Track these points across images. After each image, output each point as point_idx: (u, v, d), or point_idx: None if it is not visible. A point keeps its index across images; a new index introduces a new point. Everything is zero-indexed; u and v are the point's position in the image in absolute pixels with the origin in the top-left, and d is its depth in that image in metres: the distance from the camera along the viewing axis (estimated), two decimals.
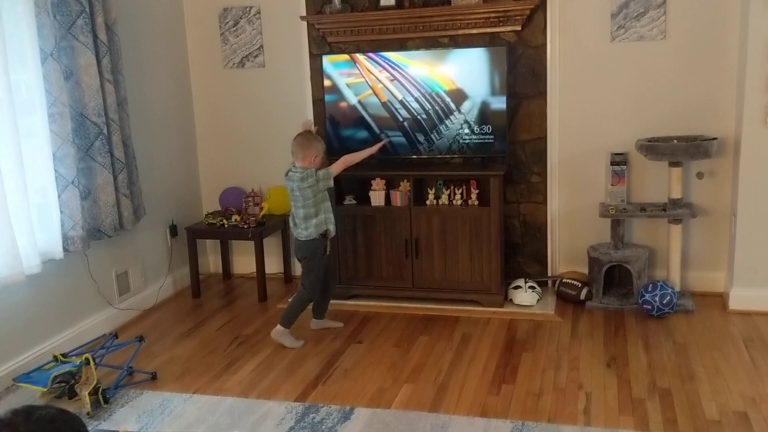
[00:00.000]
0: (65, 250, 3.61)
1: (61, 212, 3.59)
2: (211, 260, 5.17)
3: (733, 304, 4.00)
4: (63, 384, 3.21)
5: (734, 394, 3.05)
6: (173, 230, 4.75)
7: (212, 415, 3.07)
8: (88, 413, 3.08)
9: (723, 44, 4.02)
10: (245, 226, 4.53)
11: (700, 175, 4.16)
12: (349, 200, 4.40)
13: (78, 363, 3.23)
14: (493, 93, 4.16)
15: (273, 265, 4.92)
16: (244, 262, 5.05)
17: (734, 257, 3.99)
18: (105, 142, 3.83)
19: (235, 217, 4.62)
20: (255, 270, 4.59)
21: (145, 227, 4.38)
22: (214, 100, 4.96)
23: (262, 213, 4.69)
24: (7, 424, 1.08)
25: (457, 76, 4.19)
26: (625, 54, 4.18)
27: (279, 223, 4.78)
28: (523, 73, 4.31)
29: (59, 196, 3.58)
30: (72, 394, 3.22)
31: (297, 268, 4.97)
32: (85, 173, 3.77)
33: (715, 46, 4.04)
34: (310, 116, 4.69)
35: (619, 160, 4.22)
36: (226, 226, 4.60)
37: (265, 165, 4.91)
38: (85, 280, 3.92)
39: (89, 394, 3.11)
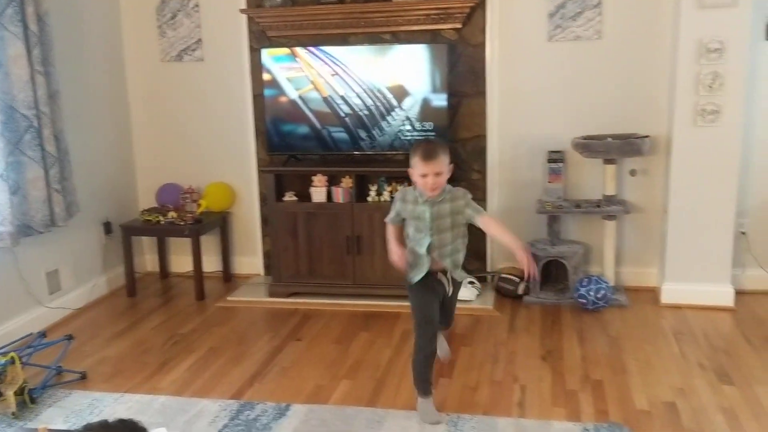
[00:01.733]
0: None
1: None
2: (147, 259, 5.06)
3: (665, 298, 4.11)
4: None
5: (664, 386, 3.12)
6: (107, 227, 4.62)
7: (143, 414, 2.99)
8: (13, 413, 2.97)
9: (656, 45, 4.13)
10: (182, 223, 4.45)
11: (633, 173, 4.26)
12: (289, 197, 4.36)
13: (3, 362, 3.11)
14: (435, 90, 4.18)
15: (212, 264, 4.84)
16: (182, 261, 4.95)
17: (666, 253, 4.10)
18: (36, 136, 3.70)
19: (172, 214, 4.52)
20: (192, 268, 4.50)
21: (78, 224, 4.25)
22: (151, 94, 4.85)
23: (199, 210, 4.61)
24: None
25: (399, 72, 4.20)
26: (562, 54, 4.25)
27: (217, 220, 4.71)
28: (463, 71, 4.35)
29: None
30: None
31: (238, 266, 4.92)
32: (14, 167, 3.64)
33: (649, 46, 4.14)
34: (250, 111, 4.64)
35: (555, 158, 4.29)
36: (162, 223, 4.50)
37: (203, 161, 4.83)
38: (13, 278, 3.78)
39: (15, 393, 2.99)
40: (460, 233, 2.92)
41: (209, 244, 4.80)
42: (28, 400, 3.05)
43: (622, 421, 2.82)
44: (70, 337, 3.47)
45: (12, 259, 3.74)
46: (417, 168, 2.77)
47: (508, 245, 2.79)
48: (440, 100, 4.19)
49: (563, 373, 3.27)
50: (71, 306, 4.24)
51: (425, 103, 4.20)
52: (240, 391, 3.21)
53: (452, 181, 4.38)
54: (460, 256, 2.96)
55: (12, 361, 3.09)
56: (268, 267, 4.83)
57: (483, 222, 2.85)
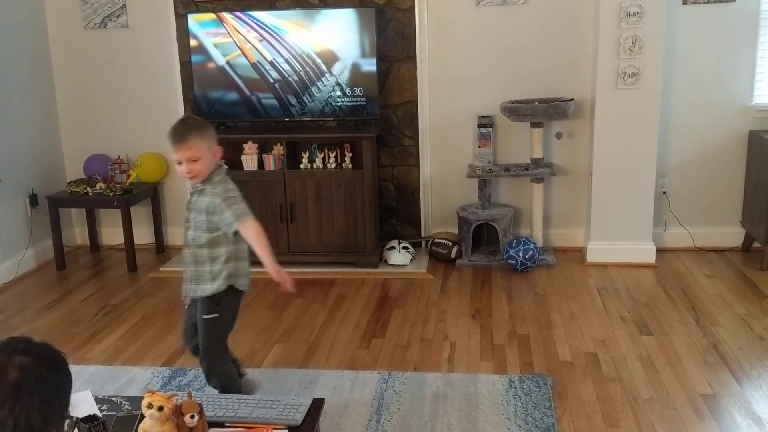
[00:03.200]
0: None
1: None
2: (77, 231, 4.94)
3: (591, 257, 4.25)
4: None
5: (586, 338, 3.25)
6: (33, 200, 4.49)
7: (74, 383, 2.94)
8: None
9: (580, 9, 4.22)
10: (111, 194, 4.36)
11: (558, 135, 4.37)
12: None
13: None
14: (364, 55, 4.18)
15: (143, 235, 4.77)
16: (113, 233, 4.86)
17: (591, 213, 4.23)
18: None
19: (101, 185, 4.43)
20: (123, 240, 4.43)
21: (2, 196, 4.12)
22: (75, 62, 4.70)
23: (129, 180, 4.52)
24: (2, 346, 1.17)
25: (328, 37, 4.18)
26: (489, 18, 4.30)
27: (148, 191, 4.63)
28: (392, 36, 4.36)
29: None
30: None
31: (171, 238, 4.85)
32: None
33: (573, 10, 4.23)
34: (178, 78, 4.56)
35: (485, 123, 4.36)
36: (90, 194, 4.40)
37: (132, 130, 4.72)
38: None
39: None
40: (216, 240, 2.38)
41: (141, 215, 4.72)
42: None
43: (545, 372, 2.93)
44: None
45: None
46: (172, 153, 2.37)
47: (264, 261, 2.32)
48: (370, 65, 4.20)
49: (491, 329, 3.37)
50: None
51: (355, 68, 4.20)
52: (171, 358, 3.20)
53: (385, 147, 4.48)
54: (216, 269, 2.39)
55: None
56: None
57: (242, 229, 2.32)
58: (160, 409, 1.71)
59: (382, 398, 2.74)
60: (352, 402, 2.71)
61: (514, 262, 4.11)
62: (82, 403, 1.96)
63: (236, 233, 2.35)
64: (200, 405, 1.75)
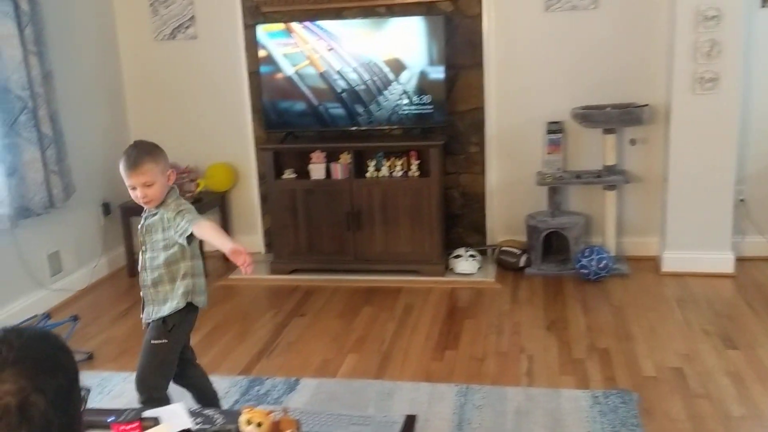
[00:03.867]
0: None
1: None
2: None
3: (666, 266, 4.13)
4: None
5: (669, 352, 3.15)
6: (106, 208, 4.59)
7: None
8: None
9: (653, 13, 4.11)
10: None
11: (633, 142, 4.26)
12: (288, 174, 4.34)
13: None
14: (431, 63, 4.15)
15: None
16: None
17: (666, 222, 4.12)
18: (31, 117, 3.67)
19: None
20: None
21: (77, 205, 4.21)
22: (145, 73, 4.80)
23: (198, 189, 4.58)
24: (0, 340, 1.08)
25: (395, 45, 4.17)
26: (558, 23, 4.23)
27: (216, 200, 4.69)
28: (460, 43, 4.32)
29: None
30: None
31: (239, 244, 4.88)
32: (10, 149, 3.60)
33: (646, 14, 4.12)
34: (246, 88, 4.60)
35: (554, 129, 4.28)
36: None
37: (199, 140, 4.79)
38: (13, 261, 3.76)
39: None
40: (173, 257, 2.38)
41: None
42: None
43: (630, 387, 2.85)
44: (75, 318, 3.46)
45: (12, 241, 3.71)
46: (125, 178, 2.31)
47: (220, 248, 2.27)
48: (437, 73, 4.17)
49: (569, 342, 3.30)
50: (73, 287, 4.22)
51: (422, 76, 4.18)
52: (248, 367, 3.22)
53: (450, 154, 4.43)
54: (175, 287, 2.39)
55: None
56: (269, 245, 4.81)
57: (197, 230, 2.30)
58: (259, 425, 1.70)
59: (462, 413, 2.70)
60: (431, 416, 2.68)
61: (586, 271, 4.02)
62: (174, 417, 1.97)
63: (191, 243, 2.36)
64: (298, 422, 1.74)
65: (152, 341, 2.41)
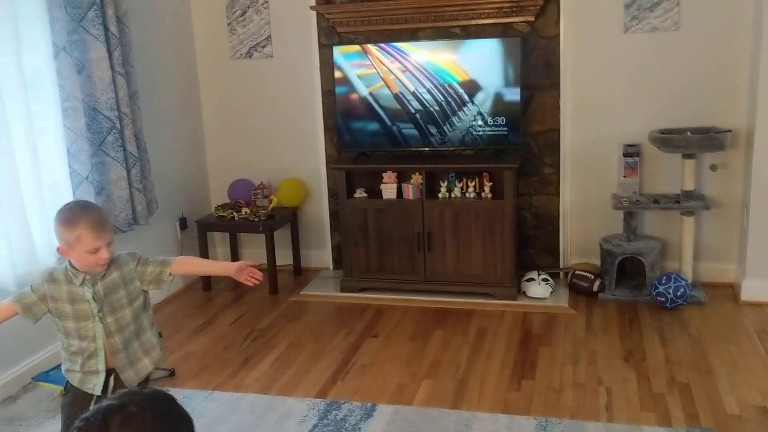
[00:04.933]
0: None
1: None
2: (219, 252, 5.15)
3: (745, 295, 4.02)
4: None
5: (752, 389, 3.07)
6: (183, 223, 4.72)
7: (234, 413, 3.06)
8: None
9: (737, 35, 4.00)
10: (256, 219, 4.51)
11: (713, 168, 4.16)
12: (360, 193, 4.38)
13: None
14: (507, 84, 4.14)
15: (282, 257, 4.89)
16: (252, 254, 5.02)
17: (746, 249, 4.00)
18: (118, 137, 3.79)
19: (245, 210, 4.60)
20: (264, 262, 4.56)
21: (156, 221, 4.34)
22: (221, 91, 4.91)
23: (271, 205, 4.66)
24: (121, 404, 1.12)
25: (470, 67, 4.16)
26: (638, 45, 4.16)
27: (288, 216, 4.77)
28: (536, 64, 4.29)
29: (74, 192, 3.54)
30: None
31: (306, 260, 4.97)
32: (98, 168, 3.73)
33: (729, 37, 4.02)
34: (319, 107, 4.67)
35: (631, 152, 4.21)
36: (236, 219, 4.58)
37: (273, 157, 4.88)
38: None
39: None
40: (140, 308, 2.34)
41: (279, 237, 4.85)
42: None
43: (714, 426, 2.79)
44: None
45: None
46: (83, 242, 2.12)
47: (221, 273, 2.31)
48: (513, 95, 4.15)
49: (648, 375, 3.24)
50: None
51: (497, 98, 4.17)
52: (324, 389, 3.26)
53: (523, 175, 4.40)
54: (147, 339, 2.37)
55: None
56: (337, 261, 4.87)
57: (178, 266, 2.37)
58: None
59: None
60: None
61: (663, 299, 3.94)
62: None
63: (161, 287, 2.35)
64: None
65: None
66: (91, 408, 1.12)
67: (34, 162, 3.27)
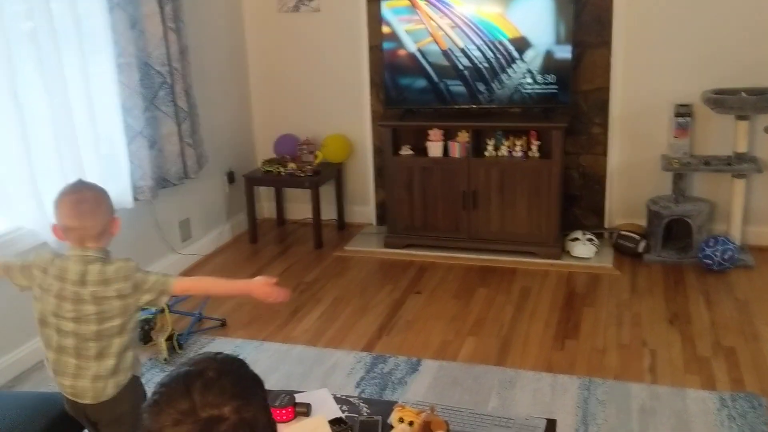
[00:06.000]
0: (135, 199, 3.69)
1: (131, 162, 3.64)
2: (265, 206, 5.23)
3: None
4: (139, 330, 3.32)
5: None
6: (230, 177, 4.80)
7: (284, 363, 3.17)
8: (165, 359, 3.20)
9: None
10: (302, 175, 4.56)
11: (767, 130, 4.07)
12: (405, 150, 4.39)
13: (154, 311, 3.34)
14: (558, 42, 4.07)
15: (326, 212, 4.94)
16: (297, 209, 5.11)
17: None
18: (169, 92, 3.85)
19: (291, 165, 4.65)
20: (308, 216, 4.64)
21: (205, 175, 4.42)
22: (267, 46, 4.92)
23: (317, 161, 4.71)
24: (199, 370, 1.14)
25: (521, 23, 4.10)
26: (694, 3, 4.03)
27: (333, 171, 4.81)
28: (588, 20, 4.20)
29: (128, 146, 3.62)
30: (147, 340, 3.34)
31: (349, 215, 5.03)
32: (150, 123, 3.80)
33: None
34: (366, 63, 4.66)
35: (683, 112, 4.13)
36: (282, 174, 4.63)
37: (318, 112, 4.90)
38: (151, 228, 4.01)
39: (165, 340, 3.22)
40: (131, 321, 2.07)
41: (323, 192, 4.90)
42: (177, 346, 3.28)
43: (759, 391, 2.80)
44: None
45: (150, 210, 3.96)
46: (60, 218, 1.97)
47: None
48: (564, 52, 4.08)
49: (692, 338, 3.25)
50: (201, 252, 4.47)
51: (548, 55, 4.10)
52: (370, 343, 3.35)
53: (571, 134, 4.36)
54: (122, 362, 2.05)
55: (161, 310, 3.32)
56: (380, 217, 4.92)
57: (180, 285, 2.21)
58: (411, 424, 1.80)
59: (587, 407, 2.73)
60: (555, 408, 2.72)
61: (710, 261, 3.91)
62: (323, 403, 2.09)
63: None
64: (447, 423, 1.82)
65: None
66: (169, 374, 1.17)
67: (91, 117, 3.35)
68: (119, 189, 3.60)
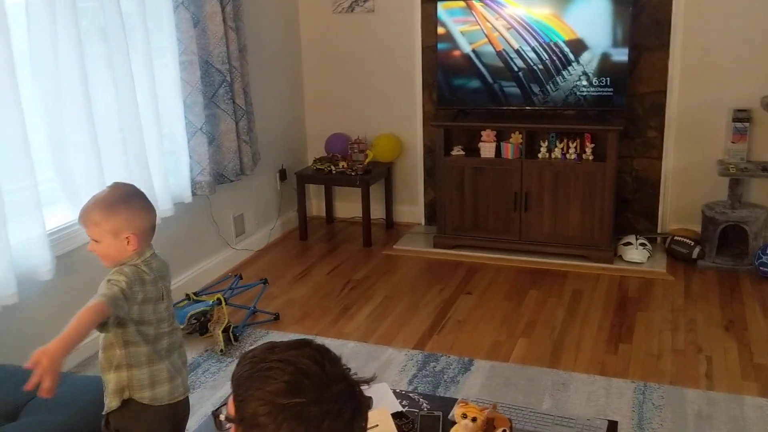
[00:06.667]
0: (193, 194, 3.77)
1: (190, 158, 3.73)
2: (314, 203, 5.30)
3: None
4: (196, 322, 3.41)
5: None
6: (282, 175, 4.88)
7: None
8: (221, 350, 3.27)
9: None
10: (353, 173, 4.61)
11: None
12: (457, 151, 4.40)
13: (210, 303, 3.42)
14: (615, 44, 4.04)
15: (374, 211, 4.98)
16: (345, 207, 5.16)
17: None
18: (228, 90, 3.93)
19: (342, 164, 4.70)
20: (355, 215, 4.69)
21: (259, 172, 4.50)
22: (321, 45, 4.98)
23: (367, 160, 4.75)
24: (310, 352, 1.16)
25: (578, 25, 4.08)
26: (754, 6, 3.97)
27: (383, 171, 4.85)
28: (645, 23, 4.16)
29: (188, 142, 3.71)
30: (203, 331, 3.42)
31: (397, 215, 5.06)
32: (210, 120, 3.88)
33: None
34: (418, 64, 4.68)
35: (741, 117, 4.07)
36: (333, 172, 4.69)
37: (369, 112, 4.94)
38: (207, 223, 4.10)
39: (222, 331, 3.29)
40: (119, 337, 1.85)
41: (372, 191, 4.95)
42: (233, 337, 3.34)
43: None
44: (265, 281, 3.75)
45: (207, 205, 4.04)
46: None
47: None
48: (620, 55, 4.05)
49: (749, 345, 3.20)
50: (253, 248, 4.55)
51: (604, 57, 4.08)
52: (421, 341, 3.37)
53: (625, 137, 4.32)
54: (122, 376, 1.89)
55: (219, 302, 3.40)
56: (429, 217, 4.94)
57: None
58: (474, 420, 1.81)
59: (642, 411, 2.71)
60: (610, 412, 2.71)
61: (766, 269, 3.84)
62: (384, 397, 2.12)
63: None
64: (510, 420, 1.84)
65: None
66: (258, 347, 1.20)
67: (155, 113, 3.44)
68: (179, 184, 3.69)
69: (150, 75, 3.39)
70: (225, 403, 1.25)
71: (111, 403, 1.90)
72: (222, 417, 1.21)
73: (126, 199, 1.87)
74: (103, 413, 1.94)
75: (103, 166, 3.11)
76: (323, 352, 1.18)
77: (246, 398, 1.13)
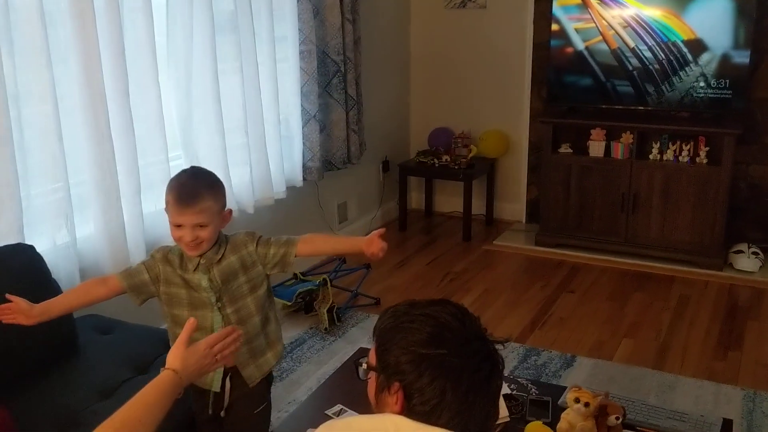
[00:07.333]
0: (304, 179, 3.92)
1: (303, 144, 3.87)
2: (414, 196, 5.37)
3: None
4: (302, 300, 3.54)
5: None
6: (385, 166, 4.97)
7: None
8: (325, 329, 3.39)
9: None
10: (456, 167, 4.65)
11: None
12: (565, 149, 4.37)
13: (317, 283, 3.55)
14: (736, 46, 3.91)
15: (475, 206, 5.00)
16: (444, 201, 5.21)
17: None
18: (341, 80, 4.05)
19: (445, 158, 4.74)
20: (455, 209, 4.72)
21: (363, 162, 4.60)
22: (431, 40, 5.04)
23: (470, 155, 4.77)
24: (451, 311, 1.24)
25: (698, 25, 3.97)
26: None
27: (486, 167, 4.86)
28: None
29: (302, 129, 3.85)
30: (309, 310, 3.55)
31: (498, 211, 5.06)
32: (323, 109, 4.01)
33: None
34: (529, 60, 4.67)
35: None
36: (436, 165, 4.74)
37: (475, 107, 4.96)
38: (314, 207, 4.23)
39: (326, 311, 3.41)
40: (264, 296, 2.00)
41: (474, 187, 4.97)
42: (336, 318, 3.45)
43: None
44: (368, 266, 3.84)
45: (315, 191, 4.18)
46: (168, 211, 1.85)
47: (351, 249, 2.03)
48: (741, 57, 3.91)
49: None
50: (354, 235, 4.65)
51: (724, 59, 3.95)
52: (522, 335, 3.38)
53: (742, 143, 4.17)
54: (272, 331, 2.04)
55: (324, 283, 3.52)
56: (530, 215, 4.92)
57: (304, 246, 1.95)
58: (586, 405, 1.83)
59: (752, 419, 2.63)
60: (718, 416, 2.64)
61: None
62: None
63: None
64: (624, 408, 1.84)
65: (255, 412, 2.05)
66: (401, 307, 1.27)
67: (274, 99, 3.59)
68: (291, 168, 3.84)
69: (272, 63, 3.54)
70: (364, 355, 1.32)
71: (282, 349, 2.10)
72: (363, 366, 1.28)
73: (212, 175, 1.94)
74: (270, 367, 2.06)
75: (227, 146, 3.28)
76: (463, 310, 1.24)
77: (389, 348, 1.20)
